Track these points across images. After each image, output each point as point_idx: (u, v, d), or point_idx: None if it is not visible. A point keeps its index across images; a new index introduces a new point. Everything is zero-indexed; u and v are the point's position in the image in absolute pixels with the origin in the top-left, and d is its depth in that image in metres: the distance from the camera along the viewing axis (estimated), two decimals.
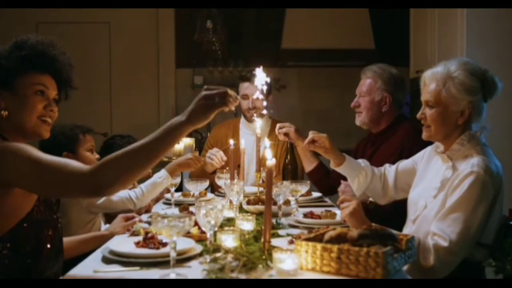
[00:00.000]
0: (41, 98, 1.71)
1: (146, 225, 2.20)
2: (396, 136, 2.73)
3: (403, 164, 2.33)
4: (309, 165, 3.14)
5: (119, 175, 1.50)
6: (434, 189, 1.98)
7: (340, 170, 2.41)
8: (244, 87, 3.47)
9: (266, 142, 2.39)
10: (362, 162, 2.43)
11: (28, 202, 1.66)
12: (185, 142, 3.78)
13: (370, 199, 2.45)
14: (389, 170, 2.38)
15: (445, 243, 1.81)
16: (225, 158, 3.16)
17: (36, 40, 1.72)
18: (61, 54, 1.77)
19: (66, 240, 2.18)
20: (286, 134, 2.99)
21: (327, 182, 3.09)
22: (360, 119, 2.88)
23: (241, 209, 2.49)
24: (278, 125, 2.96)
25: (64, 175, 1.51)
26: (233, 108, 1.66)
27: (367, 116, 2.84)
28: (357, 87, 3.29)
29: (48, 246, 1.69)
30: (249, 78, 3.47)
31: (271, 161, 1.75)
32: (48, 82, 1.73)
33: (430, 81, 2.02)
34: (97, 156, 2.75)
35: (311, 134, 2.40)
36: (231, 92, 1.63)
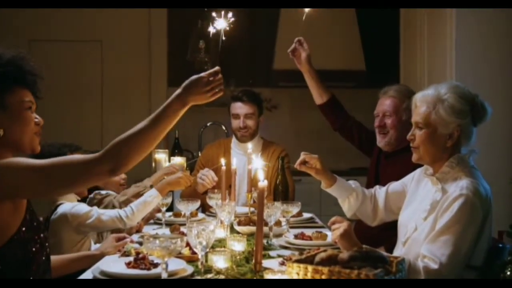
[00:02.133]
0: (31, 113, 1.72)
1: (137, 246, 2.20)
2: (410, 161, 2.68)
3: (393, 186, 2.35)
4: (318, 98, 3.20)
5: (131, 153, 1.61)
6: (424, 211, 2.00)
7: (330, 191, 2.41)
8: (236, 106, 3.49)
9: (258, 162, 2.40)
10: (353, 183, 2.44)
11: (15, 221, 1.64)
12: (176, 161, 3.78)
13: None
14: (379, 191, 2.39)
15: (435, 266, 1.82)
16: (216, 178, 3.15)
17: (12, 54, 1.71)
18: (36, 67, 1.76)
19: (56, 258, 2.17)
20: (294, 51, 3.09)
21: (340, 118, 3.17)
22: (386, 140, 2.83)
23: (232, 229, 2.49)
24: (297, 39, 3.07)
25: (74, 167, 1.59)
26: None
27: (394, 136, 2.81)
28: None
29: (35, 265, 1.68)
30: (240, 97, 3.49)
31: (263, 182, 1.76)
32: (31, 97, 1.74)
33: (420, 103, 2.04)
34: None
35: (302, 155, 2.39)
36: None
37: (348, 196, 2.39)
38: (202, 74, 1.72)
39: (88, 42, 5.65)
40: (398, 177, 2.44)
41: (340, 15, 5.38)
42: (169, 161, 3.73)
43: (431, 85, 2.07)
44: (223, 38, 1.96)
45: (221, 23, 1.97)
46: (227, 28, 2.00)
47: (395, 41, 5.05)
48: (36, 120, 1.74)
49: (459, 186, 1.90)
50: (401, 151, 2.81)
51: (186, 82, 1.72)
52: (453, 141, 1.99)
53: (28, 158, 1.63)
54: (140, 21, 5.61)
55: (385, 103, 2.86)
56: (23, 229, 1.65)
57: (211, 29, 1.97)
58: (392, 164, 2.83)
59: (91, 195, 2.94)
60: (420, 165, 2.47)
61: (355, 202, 2.39)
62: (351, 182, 2.44)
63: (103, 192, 2.97)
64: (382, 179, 2.77)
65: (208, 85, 1.72)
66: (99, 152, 1.61)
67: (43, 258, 1.71)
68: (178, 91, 1.72)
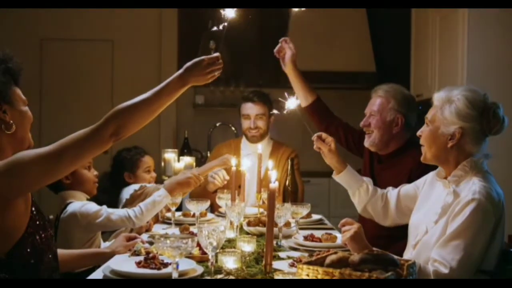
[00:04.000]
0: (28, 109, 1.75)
1: (147, 245, 2.20)
2: (405, 162, 2.67)
3: (405, 188, 2.34)
4: (303, 100, 3.14)
5: (132, 119, 1.70)
6: (435, 214, 1.99)
7: (340, 178, 2.44)
8: (246, 107, 3.49)
9: (269, 163, 2.40)
10: (366, 178, 2.45)
11: (24, 221, 1.65)
12: (185, 161, 3.78)
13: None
14: (392, 192, 2.39)
15: (445, 270, 1.81)
16: (227, 177, 3.15)
17: (3, 54, 1.72)
18: (21, 66, 1.76)
19: (66, 252, 2.19)
20: (280, 51, 3.05)
21: (326, 119, 3.14)
22: (370, 140, 2.79)
23: (241, 230, 2.49)
24: (283, 38, 3.02)
25: (81, 140, 1.63)
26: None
27: (378, 136, 2.75)
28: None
29: (43, 264, 1.68)
30: (251, 98, 3.49)
31: (274, 183, 1.76)
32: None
33: (435, 101, 2.07)
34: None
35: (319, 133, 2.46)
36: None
37: (359, 188, 2.42)
38: (203, 57, 1.85)
39: (99, 42, 5.67)
40: (395, 181, 2.45)
41: (350, 16, 5.37)
42: (178, 161, 3.74)
43: (449, 86, 2.07)
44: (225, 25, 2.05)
45: (229, 12, 2.06)
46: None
47: (406, 43, 5.03)
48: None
49: (471, 190, 1.89)
50: (393, 155, 2.80)
51: (188, 63, 1.84)
52: (453, 142, 1.98)
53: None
54: (151, 22, 5.62)
55: (373, 102, 2.82)
56: (30, 229, 1.66)
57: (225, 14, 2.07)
58: (387, 168, 2.80)
59: (136, 188, 3.03)
60: (416, 169, 2.48)
61: (365, 195, 2.40)
62: (364, 178, 2.45)
63: (149, 185, 3.07)
64: (379, 185, 2.76)
65: (208, 67, 1.84)
66: (101, 120, 1.67)
67: (50, 256, 1.72)
68: (180, 71, 1.83)
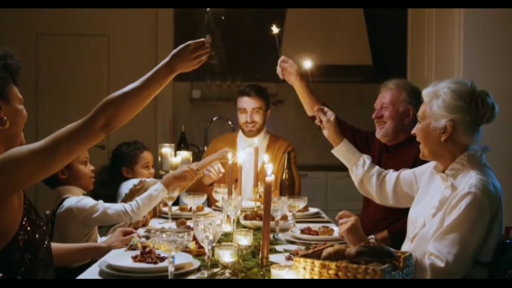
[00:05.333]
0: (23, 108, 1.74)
1: (143, 240, 2.20)
2: (410, 153, 2.66)
3: (405, 173, 2.34)
4: (309, 110, 3.13)
5: (122, 109, 1.70)
6: (432, 208, 1.99)
7: (338, 151, 2.46)
8: (243, 101, 3.49)
9: (265, 157, 2.39)
10: (364, 155, 2.47)
11: (18, 218, 1.64)
12: (182, 156, 3.78)
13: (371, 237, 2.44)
14: (391, 174, 2.40)
15: (441, 264, 1.81)
16: (222, 170, 3.16)
17: (4, 51, 1.71)
18: (20, 64, 1.75)
19: (62, 246, 2.18)
20: (283, 71, 3.03)
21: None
22: (383, 131, 2.82)
23: (238, 224, 2.49)
24: (282, 58, 3.03)
25: (73, 133, 1.62)
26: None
27: (391, 127, 2.79)
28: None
29: (37, 261, 1.67)
30: (248, 92, 3.49)
31: (270, 177, 1.76)
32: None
33: (424, 98, 2.07)
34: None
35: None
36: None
37: (356, 162, 2.44)
38: (189, 42, 1.83)
39: (95, 37, 5.65)
40: (399, 169, 2.45)
41: (347, 10, 5.36)
42: (175, 155, 3.73)
43: (437, 81, 2.07)
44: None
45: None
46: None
47: (403, 37, 5.02)
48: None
49: (468, 184, 1.89)
50: (401, 145, 2.82)
51: (175, 50, 1.83)
52: (446, 135, 1.98)
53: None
54: (147, 16, 5.60)
55: (384, 95, 2.86)
56: (24, 226, 1.64)
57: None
58: (393, 157, 2.83)
59: (136, 183, 3.02)
60: (420, 160, 2.48)
61: (361, 169, 2.42)
62: (364, 155, 2.47)
63: (148, 180, 3.06)
64: None
65: (194, 52, 1.82)
66: (91, 112, 1.67)
67: (44, 252, 1.71)
68: (167, 58, 1.82)
